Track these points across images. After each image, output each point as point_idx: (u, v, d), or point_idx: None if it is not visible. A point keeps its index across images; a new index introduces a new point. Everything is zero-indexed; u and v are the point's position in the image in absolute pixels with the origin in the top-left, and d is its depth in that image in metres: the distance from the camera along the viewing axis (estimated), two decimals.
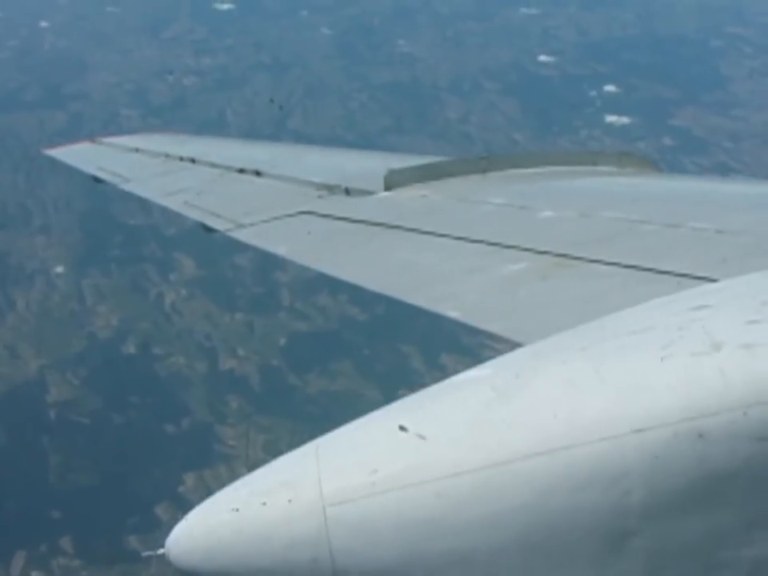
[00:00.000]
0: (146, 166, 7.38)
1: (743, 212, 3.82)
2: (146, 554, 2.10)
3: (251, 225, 5.10)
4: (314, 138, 32.86)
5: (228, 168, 6.51)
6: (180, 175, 6.77)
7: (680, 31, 46.67)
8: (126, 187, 6.91)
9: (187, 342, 23.89)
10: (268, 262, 25.90)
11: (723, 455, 1.71)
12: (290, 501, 1.80)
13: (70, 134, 33.86)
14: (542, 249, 3.59)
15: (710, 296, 2.12)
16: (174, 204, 6.06)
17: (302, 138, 32.80)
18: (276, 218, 5.07)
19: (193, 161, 6.97)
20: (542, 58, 43.25)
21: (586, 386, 1.80)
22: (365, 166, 6.15)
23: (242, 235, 5.01)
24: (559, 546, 1.77)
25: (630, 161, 5.39)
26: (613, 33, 46.76)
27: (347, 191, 5.29)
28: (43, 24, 47.20)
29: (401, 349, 23.45)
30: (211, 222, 5.39)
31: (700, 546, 1.79)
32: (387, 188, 5.10)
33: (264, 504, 1.82)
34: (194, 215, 5.67)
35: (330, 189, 5.40)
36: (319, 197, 5.32)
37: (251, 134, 33.79)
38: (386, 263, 4.11)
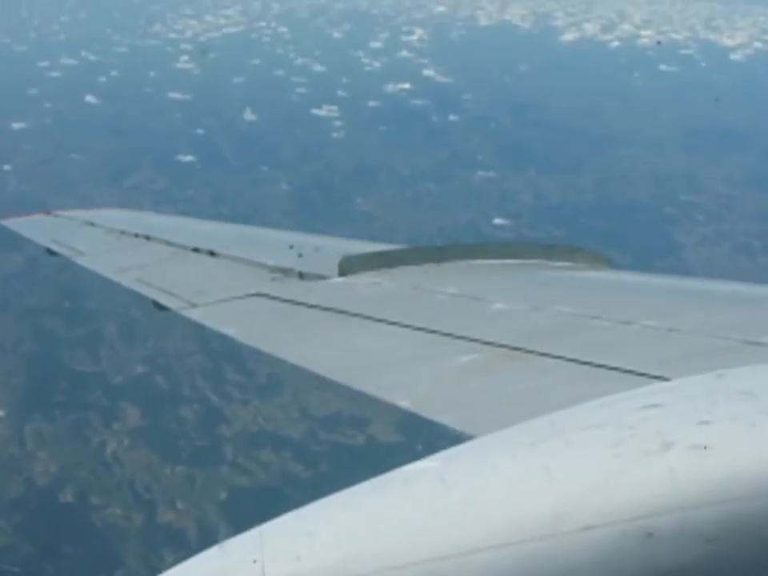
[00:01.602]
0: (100, 240, 7.47)
1: (695, 311, 3.92)
2: None
3: (204, 304, 5.12)
4: None
5: (182, 247, 6.58)
6: (134, 252, 6.85)
7: (635, 198, 48.85)
8: (80, 261, 6.97)
9: (126, 493, 23.97)
10: (212, 415, 26.66)
11: (672, 555, 1.72)
12: None
13: (26, 277, 34.91)
14: (494, 341, 3.63)
15: (662, 395, 2.13)
16: (126, 281, 6.11)
17: None
18: (229, 299, 5.11)
19: (147, 238, 7.05)
20: (498, 220, 44.81)
21: (535, 481, 1.81)
22: (320, 251, 6.18)
23: (194, 314, 5.03)
24: None
25: (583, 256, 5.49)
26: (569, 198, 48.75)
27: (301, 275, 5.35)
28: (6, 167, 48.64)
29: None
30: (163, 300, 5.43)
31: None
32: (341, 274, 5.18)
33: None
34: (147, 292, 5.70)
35: (284, 272, 5.46)
36: (273, 279, 5.37)
37: None
38: (338, 349, 4.09)
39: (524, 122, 62.23)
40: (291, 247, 5.96)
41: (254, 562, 1.76)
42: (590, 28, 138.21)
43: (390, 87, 75.90)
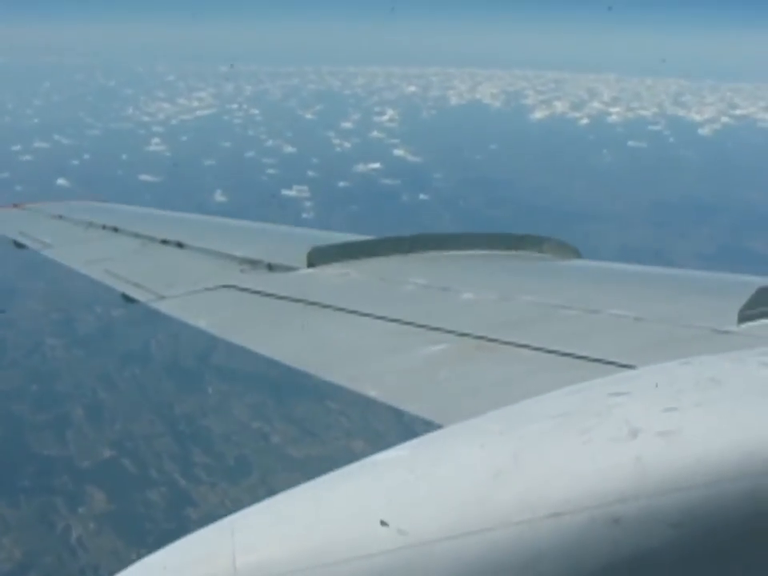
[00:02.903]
0: (68, 233, 7.39)
1: (662, 300, 3.95)
2: None
3: (173, 297, 5.10)
4: (238, 374, 34.03)
5: (151, 238, 6.55)
6: (102, 244, 6.80)
7: None
8: (47, 253, 6.87)
9: None
10: (180, 498, 26.66)
11: (638, 541, 1.74)
12: None
13: None
14: (463, 331, 3.65)
15: (629, 383, 2.14)
16: (94, 273, 6.01)
17: (224, 373, 33.94)
18: (198, 291, 5.10)
19: (116, 229, 7.05)
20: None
21: (504, 469, 1.82)
22: (288, 242, 6.18)
23: (162, 306, 5.00)
24: None
25: (552, 246, 5.52)
26: None
27: (270, 267, 5.36)
28: None
29: None
30: (132, 293, 5.39)
31: None
32: (310, 265, 5.19)
33: None
34: (115, 285, 5.63)
35: (253, 263, 5.47)
36: (241, 271, 5.38)
37: (174, 369, 35.04)
38: (306, 340, 4.07)
39: (494, 200, 63.12)
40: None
41: (225, 552, 1.78)
42: (560, 106, 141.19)
43: (360, 167, 77.23)
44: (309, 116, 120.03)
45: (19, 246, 7.35)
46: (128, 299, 5.43)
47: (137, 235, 6.75)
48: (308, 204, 62.59)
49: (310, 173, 73.40)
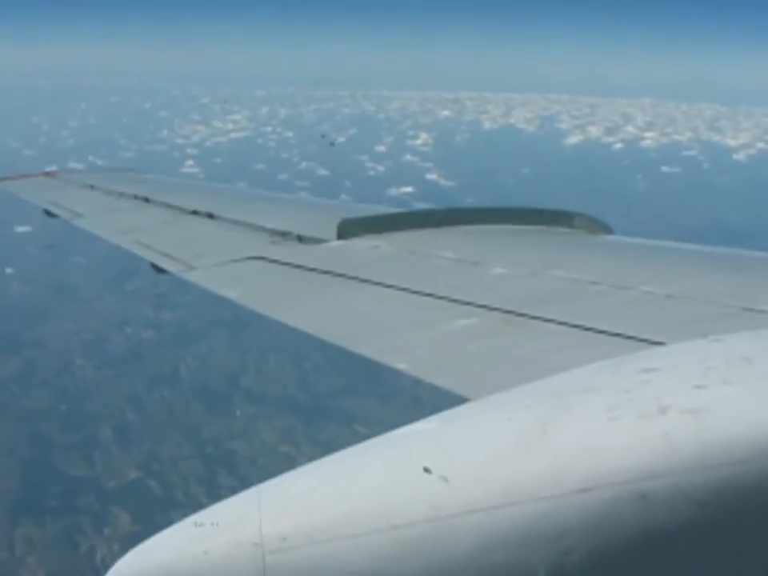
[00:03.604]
0: (99, 203, 7.41)
1: (694, 277, 3.90)
2: None
3: (203, 267, 5.08)
4: (267, 397, 34.10)
5: (181, 209, 6.56)
6: (133, 214, 6.80)
7: None
8: (78, 223, 6.83)
9: None
10: None
11: (665, 518, 1.72)
12: (229, 546, 1.77)
13: (23, 380, 35.29)
14: (492, 305, 3.63)
15: (658, 359, 2.13)
16: (124, 242, 6.00)
17: (254, 395, 34.03)
18: (227, 262, 5.08)
19: (147, 200, 7.08)
20: None
21: (531, 443, 1.81)
22: (318, 214, 6.17)
23: (192, 277, 4.98)
24: None
25: (583, 221, 5.49)
26: None
27: (300, 238, 5.35)
28: (8, 270, 49.67)
29: None
30: (162, 263, 5.36)
31: None
32: (340, 237, 5.17)
33: (201, 548, 1.79)
34: (145, 254, 5.61)
35: (283, 235, 5.45)
36: (272, 243, 5.36)
37: (203, 391, 35.12)
38: (335, 312, 4.05)
39: None
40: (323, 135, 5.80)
41: (252, 522, 1.77)
42: (595, 130, 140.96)
43: (392, 191, 77.34)
44: (342, 139, 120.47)
45: (50, 215, 7.37)
46: (158, 269, 5.41)
47: (167, 206, 6.76)
48: None
49: (343, 196, 73.47)
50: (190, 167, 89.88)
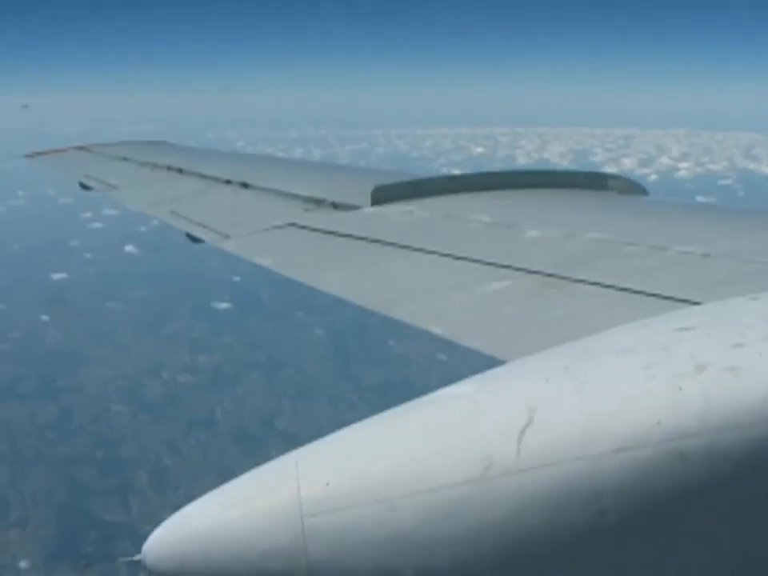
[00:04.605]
0: (133, 174, 7.48)
1: (728, 237, 3.86)
2: (122, 559, 2.04)
3: (238, 236, 5.12)
4: (302, 438, 33.98)
5: (215, 179, 6.59)
6: (167, 185, 6.87)
7: None
8: (112, 195, 6.98)
9: None
10: None
11: (702, 477, 1.71)
12: (267, 511, 1.81)
13: (60, 427, 35.58)
14: (528, 268, 3.62)
15: (695, 318, 2.13)
16: (160, 213, 6.09)
17: (289, 437, 33.95)
18: (262, 230, 5.10)
19: (180, 171, 7.13)
20: None
21: (568, 404, 1.81)
22: (352, 181, 6.21)
23: (228, 246, 5.04)
24: (534, 563, 1.79)
25: (618, 183, 5.48)
26: None
27: (334, 205, 5.37)
28: (44, 318, 50.00)
29: None
30: (197, 233, 5.42)
31: (674, 566, 1.81)
32: (374, 203, 5.19)
33: (242, 513, 1.82)
34: (180, 225, 5.67)
35: (317, 202, 5.48)
36: (306, 210, 5.39)
37: (239, 434, 35.18)
38: (371, 277, 4.05)
39: None
40: None
41: (290, 486, 1.81)
42: (629, 162, 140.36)
43: None
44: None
45: (85, 187, 7.40)
46: (193, 239, 5.46)
47: (201, 176, 6.78)
48: None
49: None
50: None
